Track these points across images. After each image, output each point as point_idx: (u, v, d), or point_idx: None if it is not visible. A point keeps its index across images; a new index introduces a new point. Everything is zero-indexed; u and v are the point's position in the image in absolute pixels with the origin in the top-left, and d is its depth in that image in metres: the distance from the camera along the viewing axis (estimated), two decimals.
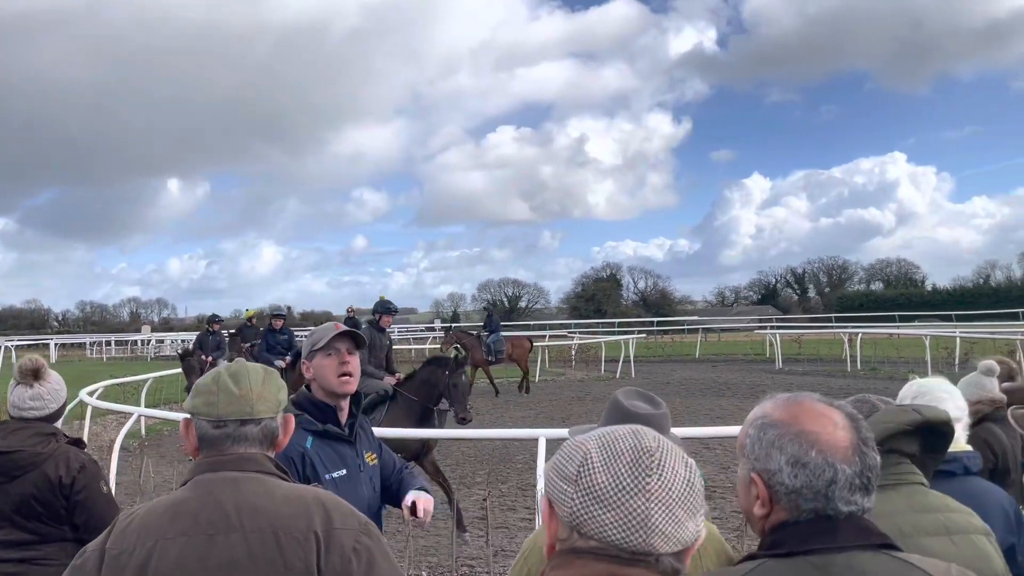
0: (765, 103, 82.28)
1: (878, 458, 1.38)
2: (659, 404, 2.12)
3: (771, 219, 77.84)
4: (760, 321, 41.94)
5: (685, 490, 1.09)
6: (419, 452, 7.83)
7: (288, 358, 11.57)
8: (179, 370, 14.55)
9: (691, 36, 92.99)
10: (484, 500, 5.82)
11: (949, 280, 59.65)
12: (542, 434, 6.75)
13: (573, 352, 25.06)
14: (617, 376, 22.00)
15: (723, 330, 40.46)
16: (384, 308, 9.68)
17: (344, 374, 2.86)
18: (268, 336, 12.40)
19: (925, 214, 74.52)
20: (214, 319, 15.53)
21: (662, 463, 1.09)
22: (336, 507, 1.63)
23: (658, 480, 1.08)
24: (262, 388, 1.71)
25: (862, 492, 1.37)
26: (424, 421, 8.11)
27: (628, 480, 1.07)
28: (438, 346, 21.70)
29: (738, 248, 77.54)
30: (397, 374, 9.01)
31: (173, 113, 77.63)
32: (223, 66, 76.71)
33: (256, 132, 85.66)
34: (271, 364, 10.56)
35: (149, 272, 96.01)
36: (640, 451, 1.10)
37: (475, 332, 20.19)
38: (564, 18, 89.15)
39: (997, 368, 5.21)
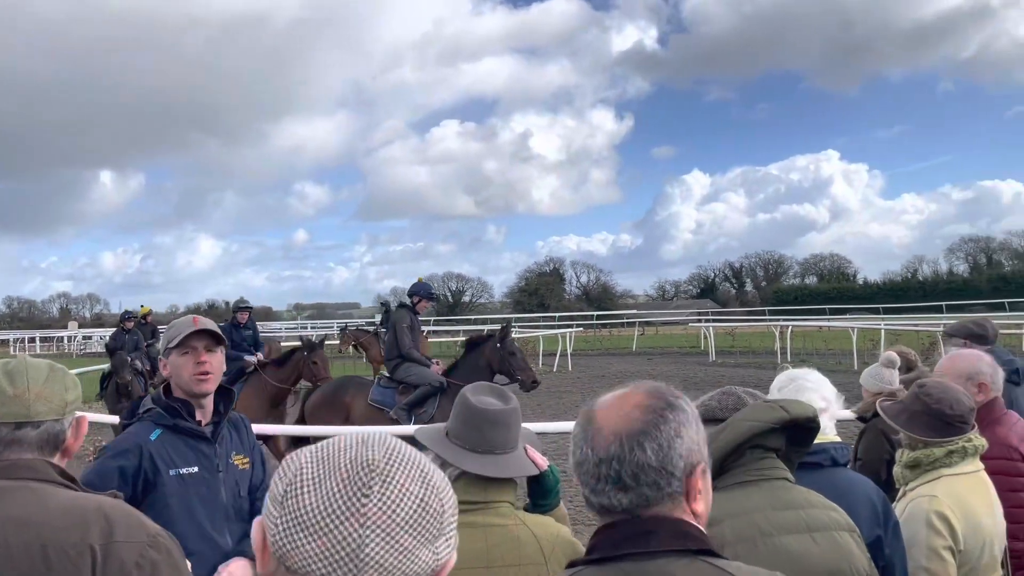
0: (704, 101, 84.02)
1: (647, 458, 1.29)
2: (509, 399, 2.05)
3: (710, 214, 79.43)
4: (699, 314, 42.58)
5: (417, 512, 0.88)
6: None
7: (259, 355, 10.62)
8: (101, 367, 13.94)
9: (632, 34, 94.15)
10: None
11: (879, 274, 61.72)
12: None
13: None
14: (554, 370, 22.02)
15: (662, 323, 40.99)
16: (425, 292, 8.94)
17: (201, 373, 2.69)
18: (232, 331, 11.10)
19: (857, 210, 76.97)
20: (127, 316, 14.13)
21: (386, 480, 0.88)
22: (122, 518, 1.49)
23: (378, 501, 0.87)
24: (43, 387, 1.56)
25: (616, 487, 1.28)
26: None
27: (339, 501, 0.87)
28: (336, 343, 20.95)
29: (678, 243, 78.91)
30: (436, 362, 8.63)
31: (106, 104, 75.28)
32: (159, 56, 74.76)
33: (194, 124, 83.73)
34: (235, 359, 9.56)
35: (81, 266, 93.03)
36: (360, 465, 0.89)
37: (372, 329, 19.18)
38: (507, 13, 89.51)
39: (897, 360, 5.28)
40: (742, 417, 1.95)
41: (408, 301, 8.91)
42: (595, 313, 43.97)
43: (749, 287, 65.36)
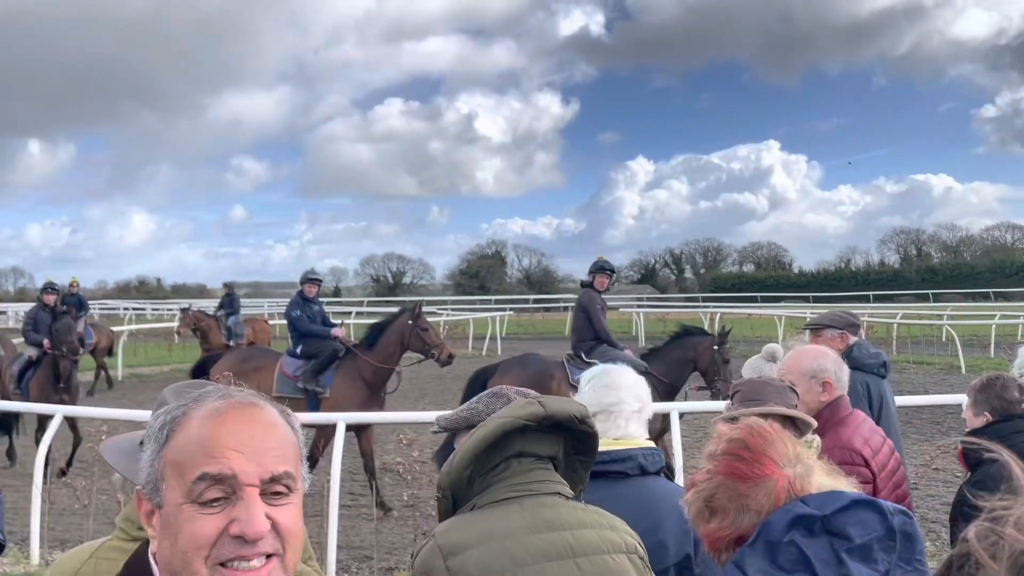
0: (650, 88, 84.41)
1: None
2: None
3: (653, 201, 80.00)
4: (638, 300, 42.93)
5: None
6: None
7: (340, 327, 9.30)
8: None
9: (579, 19, 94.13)
10: None
11: (814, 263, 63.05)
12: (341, 418, 6.40)
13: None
14: (483, 354, 21.86)
15: (614, 308, 41.12)
16: (596, 267, 8.18)
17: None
18: (304, 306, 9.14)
19: (795, 200, 78.36)
20: (49, 288, 11.66)
21: None
22: None
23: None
24: None
25: None
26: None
27: None
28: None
29: (622, 228, 79.31)
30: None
31: (34, 72, 72.02)
32: (92, 23, 71.71)
33: (129, 93, 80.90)
34: (326, 337, 8.64)
35: (5, 239, 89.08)
36: None
37: (213, 314, 17.69)
38: None
39: (779, 352, 5.16)
40: (494, 416, 1.73)
41: (587, 279, 8.30)
42: (531, 296, 44.02)
43: (689, 274, 66.19)
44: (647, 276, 64.97)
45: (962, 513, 3.11)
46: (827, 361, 3.14)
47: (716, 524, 1.55)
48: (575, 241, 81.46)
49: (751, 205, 77.21)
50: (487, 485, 1.74)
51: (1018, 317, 22.72)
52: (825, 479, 1.63)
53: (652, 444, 2.37)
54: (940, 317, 22.78)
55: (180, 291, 64.53)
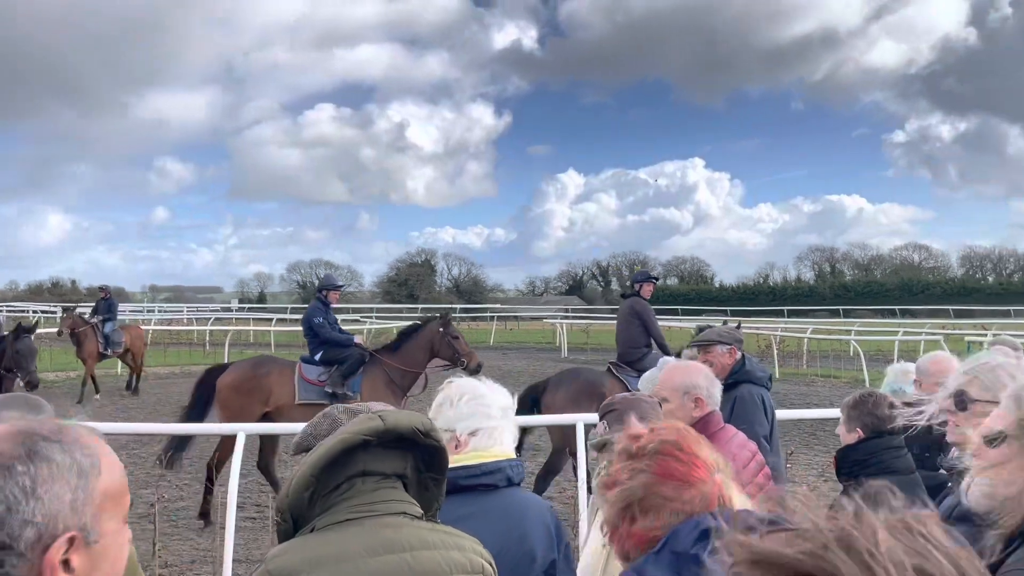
0: (580, 103, 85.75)
1: None
2: (42, 409, 1.77)
3: (583, 213, 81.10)
4: (565, 311, 43.34)
5: None
6: None
7: (360, 335, 9.22)
8: None
9: (513, 32, 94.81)
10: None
11: (735, 278, 64.89)
12: (242, 429, 6.30)
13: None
14: None
15: (532, 318, 41.42)
16: (644, 277, 8.60)
17: None
18: (326, 312, 8.90)
19: (718, 216, 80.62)
20: None
21: None
22: None
23: None
24: None
25: None
26: None
27: None
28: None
29: (551, 240, 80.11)
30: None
31: None
32: (12, 14, 68.49)
33: (48, 88, 77.50)
34: (349, 344, 8.47)
35: None
36: None
37: (92, 320, 16.30)
38: (386, 1, 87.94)
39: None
40: (336, 432, 1.69)
41: (633, 288, 8.52)
42: (458, 306, 43.99)
43: (615, 286, 67.20)
44: (575, 287, 65.70)
45: None
46: (700, 378, 3.25)
47: (647, 524, 1.55)
48: (506, 251, 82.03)
49: (676, 220, 79.14)
50: (328, 506, 1.68)
51: (919, 333, 23.85)
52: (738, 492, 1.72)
53: (515, 455, 2.45)
54: (848, 332, 23.69)
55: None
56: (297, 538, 1.68)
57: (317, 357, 8.35)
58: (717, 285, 63.17)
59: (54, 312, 37.61)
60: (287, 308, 42.47)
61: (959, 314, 40.37)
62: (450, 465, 2.35)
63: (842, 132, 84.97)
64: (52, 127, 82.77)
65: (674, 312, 42.93)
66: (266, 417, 7.65)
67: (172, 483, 7.84)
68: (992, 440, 1.89)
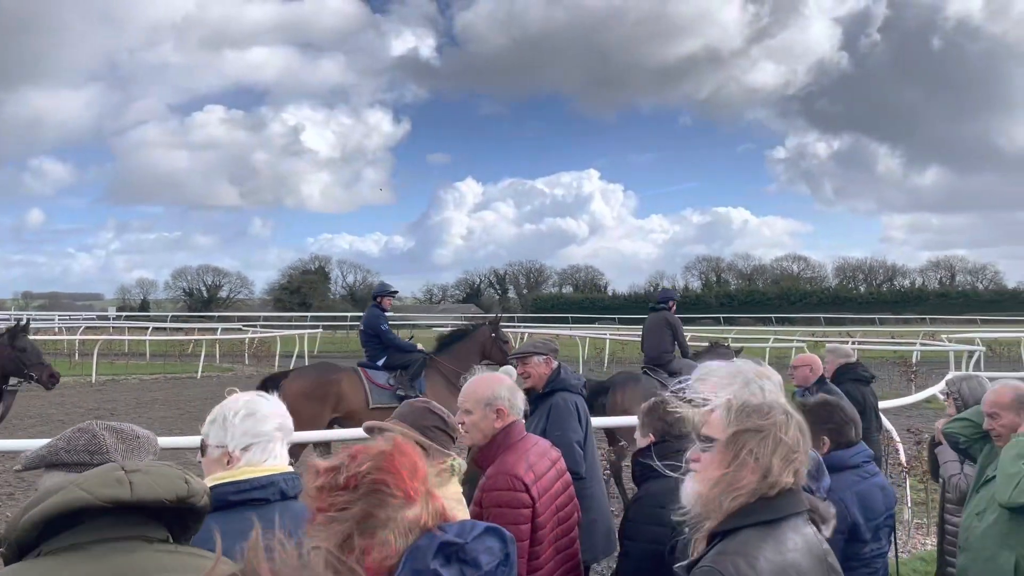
0: (478, 113, 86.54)
1: None
2: None
3: (481, 222, 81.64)
4: (462, 318, 43.36)
5: None
6: None
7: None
8: None
9: (410, 40, 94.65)
10: None
11: (627, 287, 66.60)
12: None
13: (246, 347, 23.84)
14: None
15: (428, 326, 41.23)
16: (672, 296, 10.02)
17: None
18: (382, 318, 9.15)
19: (613, 226, 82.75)
20: None
21: None
22: None
23: None
24: None
25: None
26: None
27: None
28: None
29: (450, 248, 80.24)
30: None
31: None
32: None
33: None
34: (412, 350, 8.92)
35: None
36: None
37: None
38: (279, 4, 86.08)
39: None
40: (79, 482, 1.53)
41: (662, 305, 9.67)
42: (348, 314, 43.39)
43: (512, 294, 67.78)
44: (472, 295, 65.88)
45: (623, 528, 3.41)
46: (502, 388, 3.29)
47: (381, 554, 1.50)
48: (404, 259, 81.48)
49: (572, 230, 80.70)
50: (58, 529, 1.55)
51: (791, 340, 25.14)
52: (454, 503, 1.75)
53: (292, 469, 2.46)
54: (725, 339, 24.74)
55: None
56: (21, 563, 1.57)
57: (380, 362, 8.70)
58: (610, 293, 64.65)
59: None
60: (167, 316, 40.76)
61: (830, 322, 42.79)
62: (220, 481, 2.35)
63: (728, 147, 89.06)
64: None
65: (564, 320, 43.75)
66: (333, 423, 7.91)
67: None
68: (705, 446, 2.05)
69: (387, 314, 9.29)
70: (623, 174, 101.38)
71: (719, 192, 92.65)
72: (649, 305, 10.68)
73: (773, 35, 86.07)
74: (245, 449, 2.39)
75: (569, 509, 3.42)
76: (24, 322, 8.45)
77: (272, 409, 2.47)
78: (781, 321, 46.04)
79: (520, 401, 3.36)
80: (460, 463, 2.78)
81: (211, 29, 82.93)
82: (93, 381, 18.29)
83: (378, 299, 9.26)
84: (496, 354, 8.98)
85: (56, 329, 31.61)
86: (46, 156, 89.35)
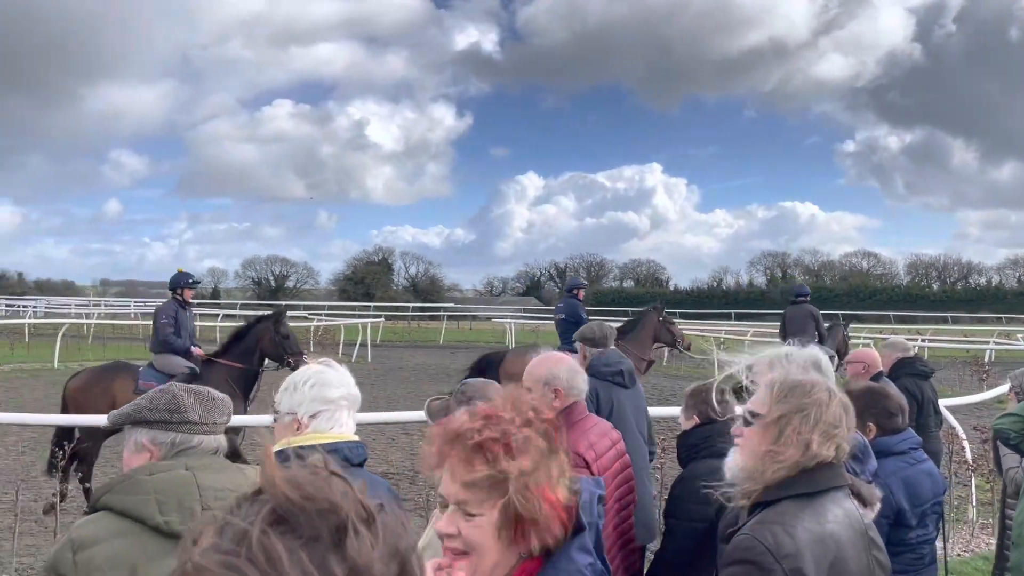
0: (540, 107, 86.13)
1: None
2: None
3: (542, 215, 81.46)
4: (522, 311, 43.58)
5: None
6: None
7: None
8: None
9: (473, 35, 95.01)
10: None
11: (689, 282, 65.77)
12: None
13: (311, 335, 24.43)
14: (352, 360, 21.73)
15: (488, 318, 41.60)
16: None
17: None
18: (579, 306, 10.42)
19: (675, 221, 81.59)
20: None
21: None
22: None
23: None
24: None
25: None
26: None
27: None
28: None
29: (510, 241, 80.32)
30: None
31: None
32: None
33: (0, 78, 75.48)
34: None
35: None
36: None
37: None
38: (344, 0, 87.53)
39: None
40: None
41: (800, 297, 11.81)
42: (411, 304, 44.01)
43: None
44: (532, 288, 65.99)
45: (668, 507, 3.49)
46: (560, 368, 3.40)
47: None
48: (465, 251, 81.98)
49: (633, 224, 79.89)
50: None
51: (859, 337, 24.56)
52: None
53: (356, 438, 2.62)
54: (781, 340, 24.32)
55: (44, 287, 60.69)
56: (98, 513, 1.84)
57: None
58: (672, 288, 63.95)
59: None
60: (236, 304, 42.03)
61: (900, 320, 41.51)
62: (288, 446, 2.53)
63: (794, 141, 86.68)
64: (4, 117, 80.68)
65: (625, 314, 43.45)
66: None
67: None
68: (748, 420, 2.13)
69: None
70: (686, 168, 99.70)
71: (785, 186, 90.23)
72: (790, 299, 12.13)
73: (842, 26, 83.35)
74: (313, 416, 2.55)
75: (626, 489, 3.48)
76: (283, 310, 8.99)
77: (340, 379, 2.63)
78: (849, 318, 44.85)
79: (581, 382, 3.43)
80: None
81: (279, 26, 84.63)
82: None
83: (574, 291, 10.78)
84: (666, 336, 10.05)
85: (132, 315, 32.93)
86: (123, 149, 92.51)
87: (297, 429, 2.55)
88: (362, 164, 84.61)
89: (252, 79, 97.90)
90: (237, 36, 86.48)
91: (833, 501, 1.97)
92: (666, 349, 10.93)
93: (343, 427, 2.58)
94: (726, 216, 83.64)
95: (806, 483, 1.95)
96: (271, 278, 64.43)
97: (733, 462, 2.11)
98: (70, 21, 74.24)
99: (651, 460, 4.57)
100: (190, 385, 2.10)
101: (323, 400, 2.55)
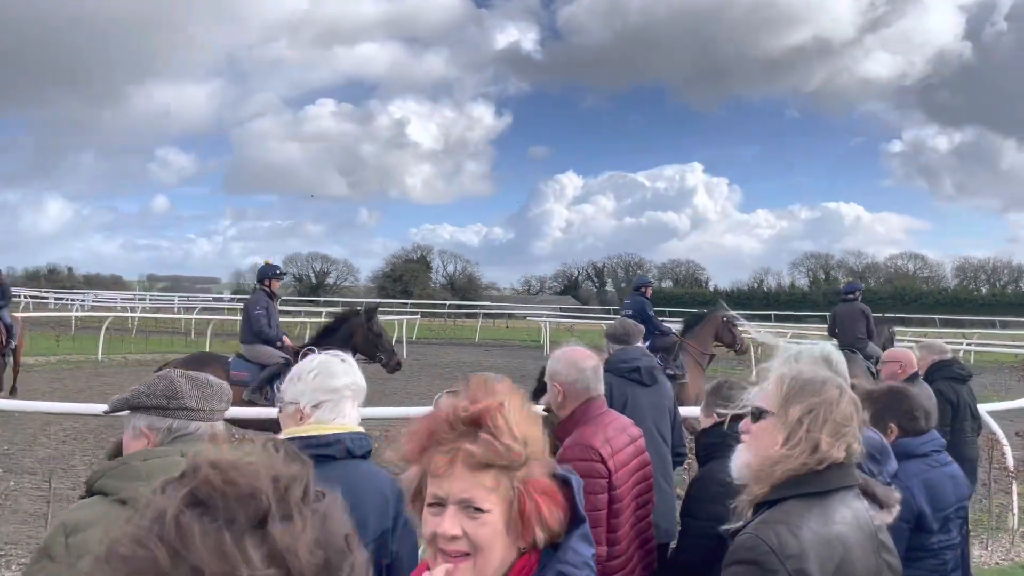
0: (580, 106, 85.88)
1: None
2: None
3: (580, 215, 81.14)
4: (559, 310, 43.47)
5: None
6: None
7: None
8: None
9: (513, 34, 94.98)
10: None
11: (729, 282, 64.95)
12: None
13: None
14: None
15: (525, 316, 41.63)
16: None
17: None
18: (648, 305, 11.05)
19: (716, 221, 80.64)
20: None
21: None
22: None
23: None
24: None
25: None
26: None
27: None
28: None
29: (549, 240, 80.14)
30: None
31: None
32: (19, 6, 68.71)
33: (53, 78, 77.63)
34: (670, 333, 10.63)
35: None
36: None
37: None
38: (386, 0, 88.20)
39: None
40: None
41: (851, 296, 11.53)
42: (447, 302, 44.16)
43: (610, 287, 67.28)
44: (570, 288, 65.82)
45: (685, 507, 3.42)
46: (561, 365, 3.37)
47: None
48: (503, 250, 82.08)
49: (674, 224, 79.15)
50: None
51: (903, 340, 23.97)
52: None
53: (360, 429, 2.60)
54: (829, 338, 23.84)
55: (93, 282, 62.30)
56: (92, 498, 1.88)
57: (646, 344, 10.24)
58: (711, 289, 63.22)
59: (44, 298, 37.82)
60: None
61: (946, 323, 40.47)
62: (290, 436, 2.52)
63: (839, 140, 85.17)
64: (56, 115, 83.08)
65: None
66: None
67: None
68: (757, 416, 2.06)
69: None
70: (728, 167, 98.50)
71: (829, 186, 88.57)
72: (840, 297, 12.10)
73: (889, 24, 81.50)
74: (316, 406, 2.53)
75: (644, 487, 3.44)
76: (374, 306, 9.19)
77: (345, 370, 2.61)
78: (894, 321, 43.93)
79: (590, 379, 3.38)
80: None
81: (323, 26, 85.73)
82: None
83: (642, 288, 11.27)
84: (727, 336, 10.30)
85: (175, 309, 33.61)
86: (171, 147, 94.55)
87: (300, 419, 2.54)
88: (402, 163, 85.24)
89: (296, 78, 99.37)
90: (283, 36, 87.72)
91: (841, 502, 1.90)
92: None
93: (346, 418, 2.56)
94: (768, 216, 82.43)
95: (814, 482, 1.89)
96: (312, 275, 65.21)
97: (739, 459, 2.05)
98: (121, 23, 76.11)
99: (680, 462, 4.48)
100: (189, 372, 2.10)
101: (326, 390, 2.53)
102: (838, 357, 2.38)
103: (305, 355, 8.26)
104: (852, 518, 1.88)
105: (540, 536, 1.39)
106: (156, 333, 24.13)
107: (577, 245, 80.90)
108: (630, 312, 10.56)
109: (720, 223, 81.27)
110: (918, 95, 75.73)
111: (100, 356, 18.46)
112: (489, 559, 1.34)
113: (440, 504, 1.36)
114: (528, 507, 1.36)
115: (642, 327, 4.86)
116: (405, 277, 60.79)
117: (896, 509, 2.35)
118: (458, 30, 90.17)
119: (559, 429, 3.40)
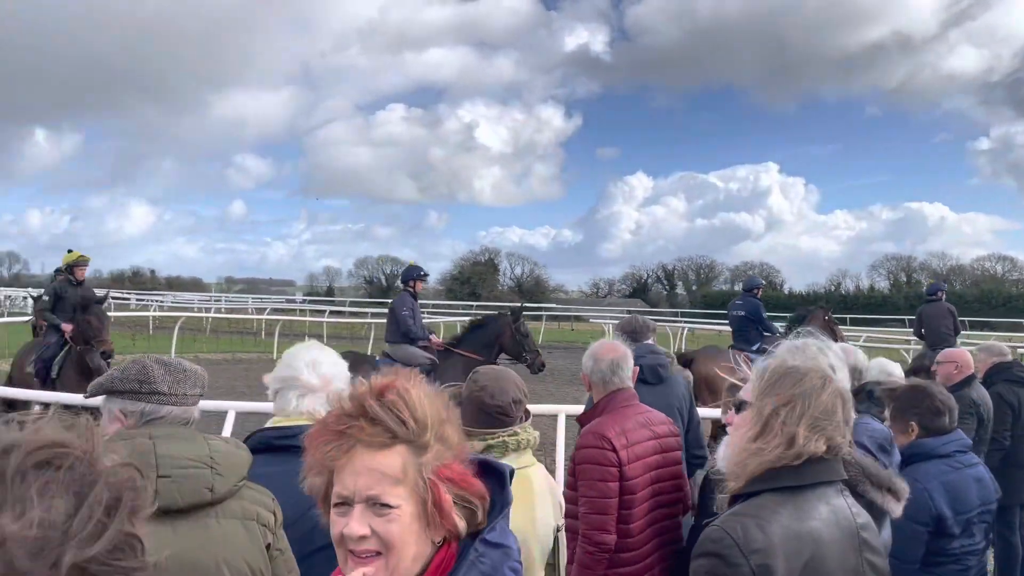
0: (650, 107, 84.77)
1: None
2: None
3: (650, 217, 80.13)
4: (627, 312, 43.05)
5: None
6: None
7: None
8: None
9: (582, 36, 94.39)
10: None
11: (804, 285, 63.15)
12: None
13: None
14: None
15: (589, 318, 41.42)
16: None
17: None
18: (762, 307, 11.17)
19: (791, 222, 78.42)
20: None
21: None
22: None
23: None
24: None
25: None
26: None
27: None
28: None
29: (617, 242, 79.44)
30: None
31: (44, 62, 72.66)
32: (104, 18, 72.33)
33: (136, 87, 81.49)
34: (776, 333, 10.72)
35: (5, 224, 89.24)
36: None
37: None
38: (456, 5, 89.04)
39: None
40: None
41: (934, 296, 12.15)
42: (512, 304, 44.28)
43: (681, 290, 66.29)
44: (639, 290, 65.10)
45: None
46: (588, 358, 3.46)
47: None
48: (571, 252, 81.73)
49: (747, 225, 77.37)
50: None
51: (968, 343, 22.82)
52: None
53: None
54: (907, 342, 22.89)
55: (174, 284, 64.87)
56: None
57: (755, 346, 9.81)
58: (786, 292, 61.58)
59: (126, 299, 39.54)
60: (346, 302, 43.52)
61: None
62: (271, 424, 2.52)
63: (922, 138, 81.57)
64: (139, 124, 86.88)
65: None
66: None
67: None
68: (739, 407, 1.98)
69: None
70: (804, 167, 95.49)
71: (912, 186, 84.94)
72: (925, 298, 12.31)
73: (974, 17, 77.65)
74: (276, 393, 2.54)
75: (668, 487, 3.39)
76: (519, 306, 9.45)
77: (310, 358, 2.55)
78: (978, 325, 41.89)
79: (615, 372, 3.42)
80: (531, 435, 2.80)
81: (394, 33, 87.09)
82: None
83: (754, 290, 11.36)
84: (829, 333, 10.28)
85: (249, 310, 34.66)
86: (247, 152, 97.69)
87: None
88: (471, 166, 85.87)
89: (368, 84, 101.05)
90: (354, 44, 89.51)
91: (820, 498, 1.79)
92: None
93: (305, 408, 2.49)
94: (847, 217, 79.75)
95: (790, 476, 1.79)
96: (382, 277, 66.35)
97: (720, 451, 1.97)
98: (200, 34, 79.10)
99: (700, 464, 4.37)
100: (162, 357, 2.11)
101: (283, 380, 2.53)
102: (838, 349, 2.25)
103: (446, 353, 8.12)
104: (830, 515, 1.77)
105: (460, 525, 1.34)
106: (228, 333, 24.91)
107: (647, 247, 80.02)
108: (743, 313, 10.60)
109: (796, 224, 79.10)
110: (1006, 90, 72.11)
111: (173, 354, 19.13)
112: (402, 556, 1.28)
113: (346, 504, 1.30)
114: (441, 497, 1.31)
115: (654, 324, 4.75)
116: (473, 280, 61.22)
117: (905, 499, 2.21)
118: (527, 33, 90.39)
119: (582, 418, 3.50)
